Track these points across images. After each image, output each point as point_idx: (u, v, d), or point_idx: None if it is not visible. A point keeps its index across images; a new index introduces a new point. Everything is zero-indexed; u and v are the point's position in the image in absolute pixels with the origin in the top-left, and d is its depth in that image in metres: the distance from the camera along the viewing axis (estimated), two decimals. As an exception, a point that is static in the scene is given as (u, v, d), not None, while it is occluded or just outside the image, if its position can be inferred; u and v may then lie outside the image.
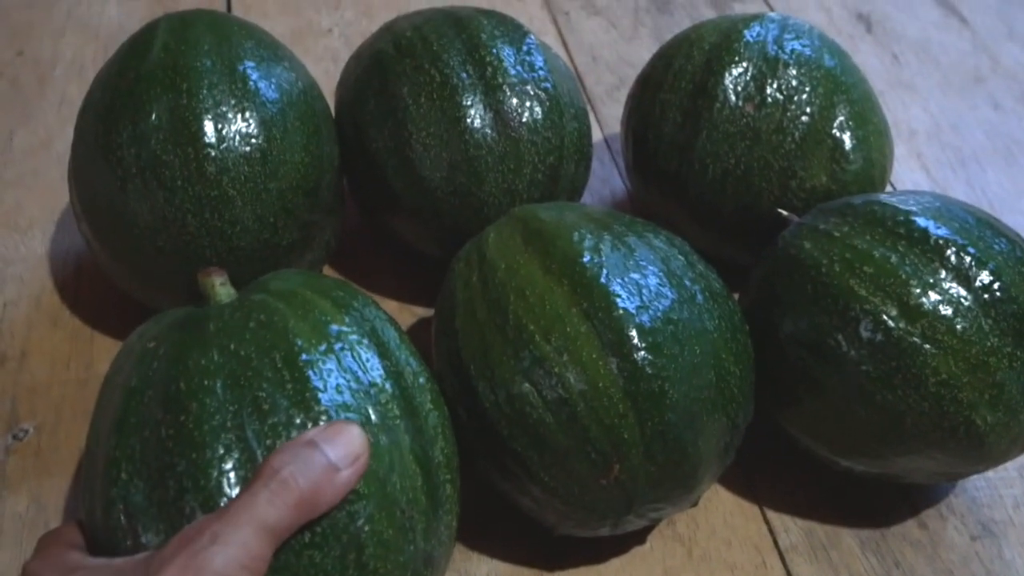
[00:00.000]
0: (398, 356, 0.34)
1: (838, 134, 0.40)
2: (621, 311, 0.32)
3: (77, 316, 0.44)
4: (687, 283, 0.33)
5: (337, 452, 0.29)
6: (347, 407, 0.31)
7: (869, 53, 0.60)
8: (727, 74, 0.40)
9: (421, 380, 0.34)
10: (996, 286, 0.32)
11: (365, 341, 0.33)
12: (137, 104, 0.37)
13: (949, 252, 0.33)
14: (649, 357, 0.31)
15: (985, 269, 0.32)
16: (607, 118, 0.56)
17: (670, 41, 0.45)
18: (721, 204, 0.41)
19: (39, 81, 0.54)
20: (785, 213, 0.39)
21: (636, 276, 0.33)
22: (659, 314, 0.32)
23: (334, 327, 0.33)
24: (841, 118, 0.40)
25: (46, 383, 0.41)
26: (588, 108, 0.45)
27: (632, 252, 0.34)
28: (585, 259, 0.33)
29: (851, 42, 0.61)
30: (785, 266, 0.35)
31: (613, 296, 0.32)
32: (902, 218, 0.34)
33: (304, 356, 0.31)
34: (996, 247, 0.33)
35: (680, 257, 0.34)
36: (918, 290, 0.32)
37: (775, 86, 0.40)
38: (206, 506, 0.29)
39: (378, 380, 0.32)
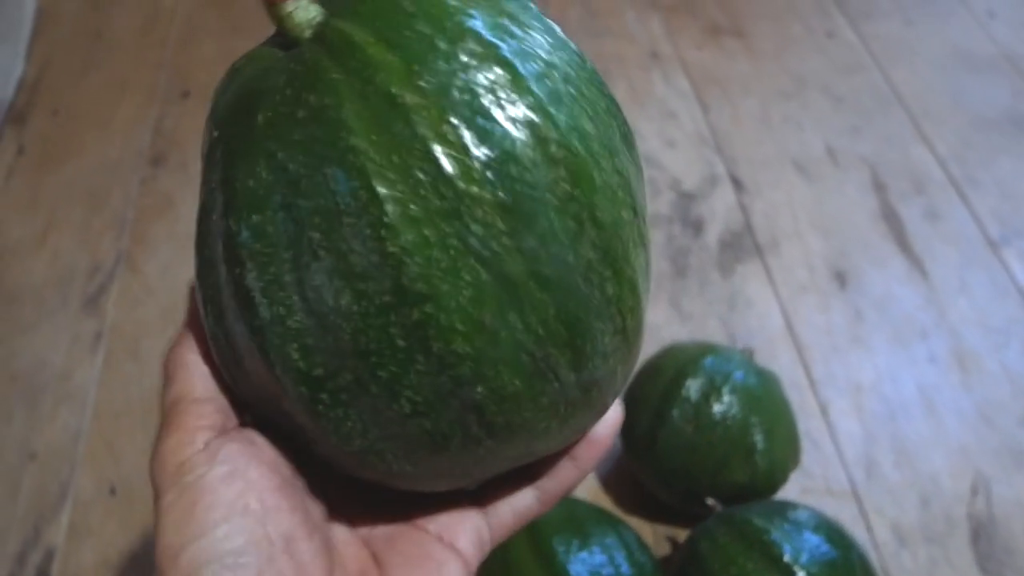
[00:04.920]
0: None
1: (752, 445, 0.60)
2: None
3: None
4: (623, 570, 0.54)
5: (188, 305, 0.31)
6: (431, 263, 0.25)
7: (838, 311, 0.79)
8: (675, 406, 0.61)
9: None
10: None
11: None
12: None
13: (783, 563, 0.52)
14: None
15: (806, 574, 0.52)
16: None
17: (649, 361, 0.65)
18: (673, 485, 0.61)
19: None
20: (711, 502, 0.60)
21: (586, 555, 0.54)
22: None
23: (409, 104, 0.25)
24: (754, 435, 0.60)
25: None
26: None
27: (588, 540, 0.55)
28: (559, 547, 0.54)
29: (825, 300, 0.80)
30: (693, 555, 0.56)
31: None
32: (760, 536, 0.54)
33: (368, 169, 0.25)
34: (822, 558, 0.53)
35: (623, 550, 0.55)
36: (761, 589, 0.52)
37: (709, 413, 0.60)
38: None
39: (472, 188, 0.25)
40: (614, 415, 0.35)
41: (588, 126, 0.27)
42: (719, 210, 0.87)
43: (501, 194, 0.25)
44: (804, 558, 0.52)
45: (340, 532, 0.32)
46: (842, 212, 0.87)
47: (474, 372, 0.26)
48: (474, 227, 0.25)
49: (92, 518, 0.67)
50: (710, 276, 0.82)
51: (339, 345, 0.26)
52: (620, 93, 0.98)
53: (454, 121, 0.25)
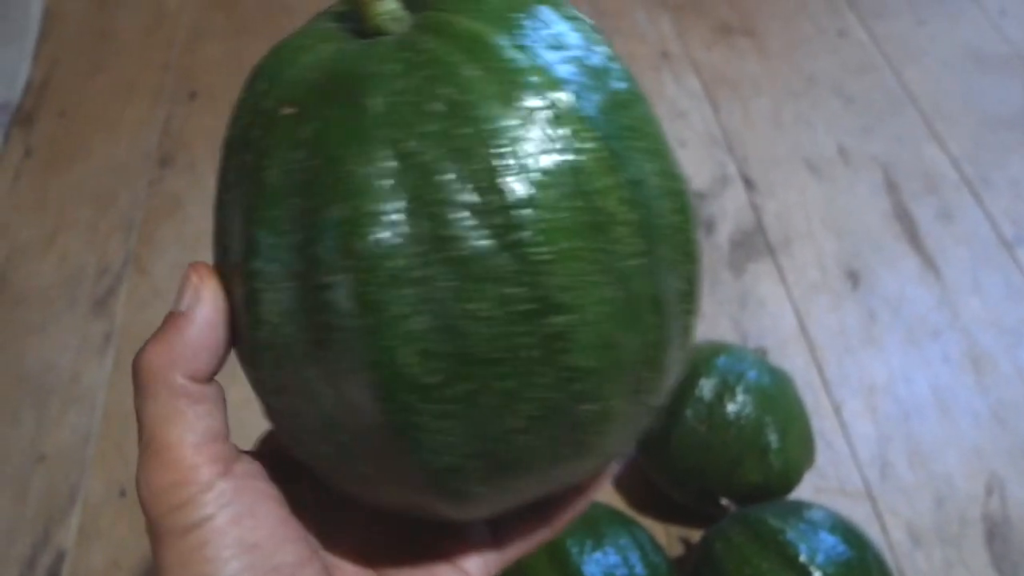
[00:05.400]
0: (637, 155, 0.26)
1: (766, 445, 0.59)
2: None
3: None
4: (637, 571, 0.54)
5: (179, 299, 0.27)
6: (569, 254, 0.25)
7: (850, 312, 0.78)
8: (688, 406, 0.60)
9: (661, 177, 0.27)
10: (828, 590, 0.51)
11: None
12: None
13: (799, 564, 0.52)
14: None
15: (822, 574, 0.51)
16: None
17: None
18: (687, 485, 0.61)
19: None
20: (725, 502, 0.59)
21: (600, 556, 0.53)
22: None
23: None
24: (768, 434, 0.59)
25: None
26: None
27: (602, 541, 0.54)
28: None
29: (837, 300, 0.79)
30: (707, 555, 0.55)
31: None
32: (775, 536, 0.53)
33: (516, 173, 0.24)
34: (838, 558, 0.52)
35: (637, 551, 0.55)
36: (777, 590, 0.51)
37: (723, 412, 0.60)
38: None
39: (616, 206, 0.26)
40: None
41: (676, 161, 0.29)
42: (730, 210, 0.87)
43: (636, 215, 0.26)
44: (820, 558, 0.52)
45: (345, 553, 0.31)
46: (854, 212, 0.86)
47: (594, 389, 0.26)
48: (615, 244, 0.25)
49: (102, 520, 0.67)
50: (721, 276, 0.81)
51: (466, 351, 0.25)
52: (629, 93, 0.97)
53: (599, 136, 0.26)
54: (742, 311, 0.78)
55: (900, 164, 0.90)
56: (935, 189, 0.88)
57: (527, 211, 0.24)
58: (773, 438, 0.59)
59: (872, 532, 0.65)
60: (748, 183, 0.89)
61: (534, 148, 0.25)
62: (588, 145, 0.25)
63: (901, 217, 0.86)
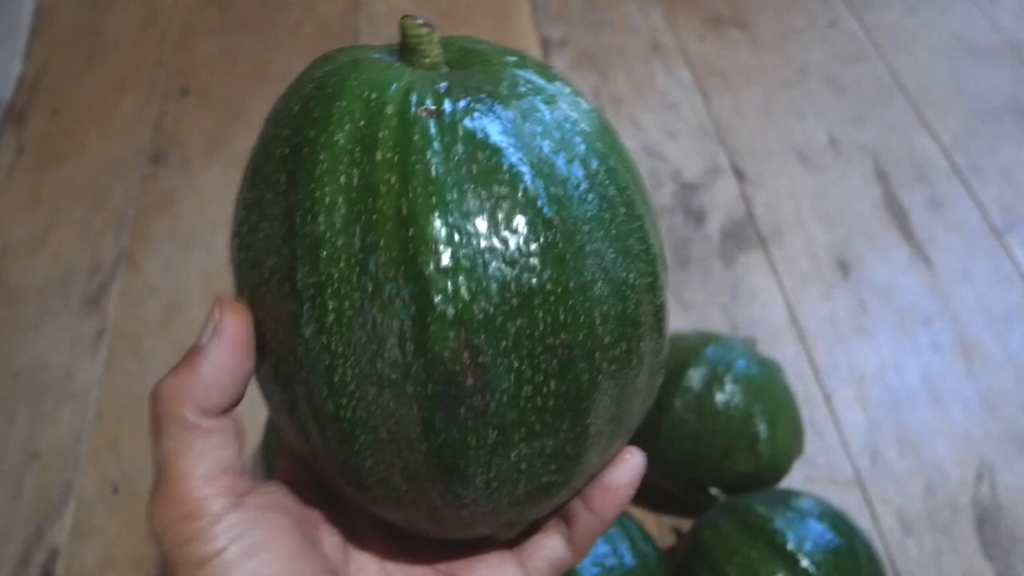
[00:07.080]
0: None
1: (754, 435, 0.60)
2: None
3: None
4: (627, 560, 0.54)
5: (201, 332, 0.28)
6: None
7: (841, 300, 0.79)
8: (677, 396, 0.60)
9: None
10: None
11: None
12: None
13: (787, 552, 0.52)
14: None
15: (810, 562, 0.52)
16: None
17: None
18: (677, 476, 0.61)
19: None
20: (714, 491, 0.59)
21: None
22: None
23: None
24: (757, 424, 0.60)
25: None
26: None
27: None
28: None
29: (828, 289, 0.79)
30: (696, 544, 0.55)
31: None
32: (763, 525, 0.53)
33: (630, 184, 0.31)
34: (826, 546, 0.53)
35: (626, 540, 0.55)
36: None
37: (712, 402, 0.60)
38: None
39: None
40: (634, 461, 0.34)
41: None
42: (721, 200, 0.87)
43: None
44: (808, 546, 0.52)
45: None
46: (845, 201, 0.86)
47: (665, 355, 0.32)
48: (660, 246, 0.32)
49: (95, 517, 0.67)
50: (712, 266, 0.81)
51: (626, 314, 0.29)
52: (621, 85, 0.98)
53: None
54: (733, 301, 0.78)
55: (890, 153, 0.91)
56: (925, 178, 0.88)
57: (640, 218, 0.30)
58: (762, 428, 0.60)
59: (863, 520, 0.65)
60: (739, 174, 0.89)
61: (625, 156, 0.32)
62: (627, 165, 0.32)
63: (891, 206, 0.86)
